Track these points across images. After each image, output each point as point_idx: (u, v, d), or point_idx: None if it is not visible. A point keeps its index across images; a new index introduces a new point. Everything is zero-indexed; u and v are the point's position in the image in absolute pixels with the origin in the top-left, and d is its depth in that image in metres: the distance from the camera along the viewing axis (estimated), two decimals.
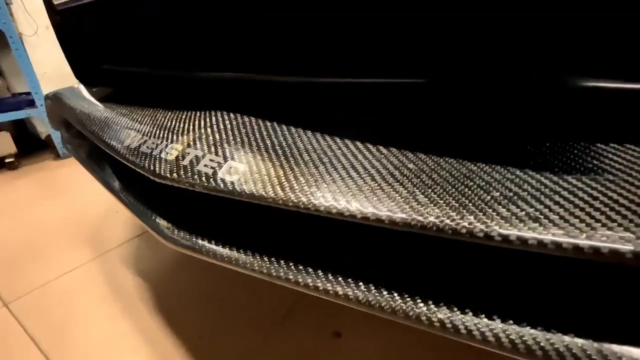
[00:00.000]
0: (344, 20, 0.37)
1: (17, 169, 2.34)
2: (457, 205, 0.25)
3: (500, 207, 0.24)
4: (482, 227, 0.22)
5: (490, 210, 0.24)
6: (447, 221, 0.24)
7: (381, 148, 0.34)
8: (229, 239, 0.40)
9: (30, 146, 2.65)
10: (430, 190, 0.27)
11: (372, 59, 0.38)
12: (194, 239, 0.40)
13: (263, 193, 0.32)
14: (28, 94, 2.38)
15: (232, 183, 0.34)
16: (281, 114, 0.43)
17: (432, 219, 0.24)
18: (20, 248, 1.40)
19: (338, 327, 0.94)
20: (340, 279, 0.32)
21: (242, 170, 0.35)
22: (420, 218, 0.25)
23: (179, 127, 0.46)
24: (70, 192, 1.92)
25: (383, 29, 0.35)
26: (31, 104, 2.31)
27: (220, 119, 0.45)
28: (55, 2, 0.64)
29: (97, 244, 1.40)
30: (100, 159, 0.69)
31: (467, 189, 0.26)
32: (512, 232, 0.21)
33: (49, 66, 2.70)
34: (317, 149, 0.35)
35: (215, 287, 1.12)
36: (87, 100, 0.68)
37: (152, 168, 0.40)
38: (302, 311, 1.00)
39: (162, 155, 0.41)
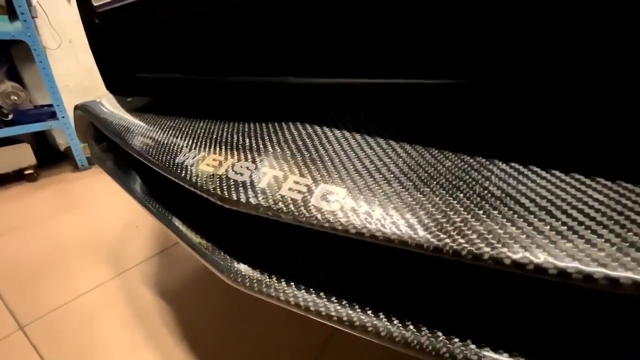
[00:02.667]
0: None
1: (36, 181, 2.32)
2: None
3: None
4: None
5: None
6: None
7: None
8: (308, 279, 0.32)
9: (50, 158, 2.64)
10: None
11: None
12: (275, 283, 0.32)
13: (386, 230, 0.24)
14: (50, 106, 2.38)
15: (334, 213, 0.27)
16: (380, 123, 0.36)
17: None
18: (38, 265, 1.34)
19: None
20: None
21: (342, 196, 0.28)
22: None
23: (243, 142, 0.39)
24: (89, 205, 1.88)
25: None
26: (53, 115, 2.31)
27: (296, 131, 0.37)
28: (95, 3, 0.59)
29: (117, 261, 1.33)
30: (138, 174, 0.63)
31: None
32: None
33: (71, 79, 2.71)
34: (442, 171, 0.28)
35: (244, 310, 1.03)
36: (123, 112, 0.62)
37: (219, 192, 0.33)
38: (340, 344, 0.91)
39: (231, 176, 0.34)
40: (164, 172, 0.41)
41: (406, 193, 0.27)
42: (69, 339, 0.98)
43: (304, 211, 0.28)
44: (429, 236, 0.23)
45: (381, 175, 0.28)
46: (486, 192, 0.25)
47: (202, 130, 0.45)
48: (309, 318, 0.30)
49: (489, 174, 0.26)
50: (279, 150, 0.36)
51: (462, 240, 0.22)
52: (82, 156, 2.46)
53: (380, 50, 0.36)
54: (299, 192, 0.30)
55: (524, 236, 0.21)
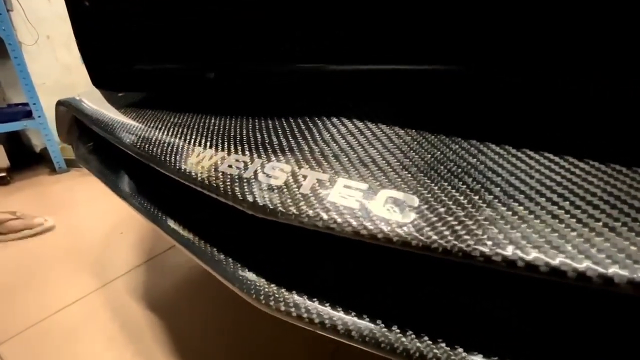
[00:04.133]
0: None
1: (9, 184, 2.17)
2: None
3: None
4: None
5: None
6: None
7: None
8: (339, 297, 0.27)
9: (24, 160, 2.48)
10: None
11: None
12: (305, 303, 0.27)
13: (471, 248, 0.19)
14: (25, 104, 2.24)
15: (401, 226, 0.22)
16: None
17: None
18: (12, 277, 1.23)
19: None
20: None
21: (413, 205, 0.23)
22: None
23: (269, 140, 0.34)
24: (68, 211, 1.76)
25: None
26: (28, 115, 2.17)
27: (331, 127, 0.32)
28: None
29: (100, 271, 1.23)
30: (131, 175, 0.56)
31: None
32: None
33: (48, 77, 2.57)
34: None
35: (241, 320, 0.97)
36: (117, 108, 0.55)
37: (250, 199, 0.27)
38: (347, 357, 0.86)
39: (262, 179, 0.29)
40: (175, 176, 0.35)
41: (487, 206, 0.22)
42: (50, 356, 0.89)
43: (366, 223, 0.23)
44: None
45: (462, 182, 0.24)
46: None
47: (216, 127, 0.40)
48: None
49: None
50: (317, 149, 0.31)
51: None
52: (60, 158, 2.32)
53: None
54: (354, 198, 0.25)
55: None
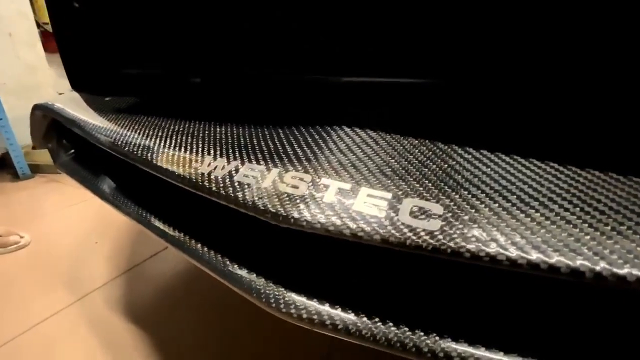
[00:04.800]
0: None
1: None
2: None
3: None
4: None
5: None
6: None
7: None
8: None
9: None
10: None
11: None
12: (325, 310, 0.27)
13: (510, 254, 0.21)
14: None
15: (430, 233, 0.23)
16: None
17: None
18: None
19: None
20: None
21: (436, 212, 0.24)
22: None
23: (283, 148, 0.34)
24: (35, 220, 1.65)
25: None
26: None
27: (344, 136, 0.33)
28: None
29: (75, 284, 1.17)
30: (120, 182, 0.54)
31: None
32: None
33: (9, 77, 2.41)
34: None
35: (229, 328, 0.95)
36: (108, 114, 0.53)
37: (273, 210, 0.28)
38: None
39: (283, 189, 0.29)
40: (186, 186, 0.34)
41: (507, 211, 0.24)
42: None
43: (393, 231, 0.24)
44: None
45: (480, 190, 0.25)
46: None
47: (223, 136, 0.39)
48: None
49: None
50: (334, 158, 0.31)
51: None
52: (24, 163, 2.18)
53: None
54: (379, 207, 0.26)
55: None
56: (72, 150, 0.76)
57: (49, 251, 1.37)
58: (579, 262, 0.20)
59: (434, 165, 0.28)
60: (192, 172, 0.34)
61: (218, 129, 0.41)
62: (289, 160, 0.32)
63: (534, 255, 0.21)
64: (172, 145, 0.39)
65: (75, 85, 0.78)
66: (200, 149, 0.37)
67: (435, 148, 0.30)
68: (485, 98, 0.34)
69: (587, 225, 0.23)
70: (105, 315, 1.03)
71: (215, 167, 0.34)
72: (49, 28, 2.17)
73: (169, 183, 0.40)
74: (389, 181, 0.27)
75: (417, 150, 0.30)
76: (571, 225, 0.23)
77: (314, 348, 0.88)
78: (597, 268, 0.20)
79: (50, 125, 0.77)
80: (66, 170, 0.71)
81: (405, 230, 0.23)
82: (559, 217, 0.23)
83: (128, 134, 0.43)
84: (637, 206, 0.23)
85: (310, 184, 0.29)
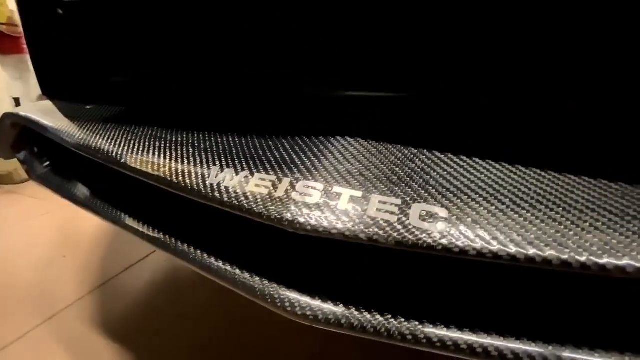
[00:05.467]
0: None
1: None
2: None
3: None
4: None
5: None
6: None
7: None
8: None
9: None
10: None
11: None
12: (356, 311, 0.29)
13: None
14: None
15: (442, 236, 0.26)
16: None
17: None
18: None
19: None
20: None
21: (443, 215, 0.27)
22: None
23: (290, 158, 0.36)
24: None
25: None
26: None
27: (349, 145, 0.36)
28: None
29: (44, 303, 1.10)
30: (107, 193, 0.53)
31: None
32: None
33: None
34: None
35: (208, 341, 0.93)
36: (95, 125, 0.52)
37: (289, 218, 0.29)
38: None
39: (297, 198, 0.31)
40: (195, 198, 0.35)
41: (509, 211, 0.27)
42: None
43: (406, 234, 0.26)
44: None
45: (477, 194, 0.29)
46: None
47: (224, 146, 0.40)
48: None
49: None
50: (342, 167, 0.33)
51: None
52: None
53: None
54: (391, 212, 0.28)
55: None
56: (47, 161, 0.73)
57: (12, 268, 1.28)
58: (567, 255, 0.24)
59: (435, 173, 0.31)
60: (200, 183, 0.35)
61: (218, 139, 0.42)
62: (298, 170, 0.34)
63: (531, 251, 0.24)
64: (175, 157, 0.40)
65: (49, 92, 0.75)
66: (205, 160, 0.38)
67: (433, 157, 0.33)
68: (476, 111, 0.38)
69: (570, 222, 0.26)
70: (80, 333, 0.98)
71: (224, 178, 0.35)
72: (4, 29, 2.04)
73: (165, 192, 0.40)
74: (397, 188, 0.30)
75: (417, 159, 0.33)
76: (557, 223, 0.26)
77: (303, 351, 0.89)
78: (582, 259, 0.24)
79: (20, 135, 0.74)
80: (41, 182, 0.68)
81: (417, 232, 0.26)
82: (546, 217, 0.27)
83: (127, 146, 0.42)
84: (609, 205, 0.27)
85: (323, 192, 0.31)
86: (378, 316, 0.30)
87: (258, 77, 0.47)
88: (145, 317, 1.04)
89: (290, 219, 0.29)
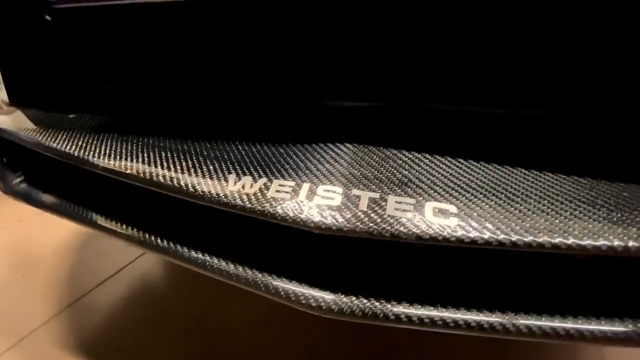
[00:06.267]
0: None
1: None
2: None
3: None
4: None
5: None
6: None
7: None
8: None
9: None
10: None
11: None
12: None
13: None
14: None
15: (456, 229, 0.30)
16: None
17: None
18: None
19: None
20: None
21: (453, 211, 0.31)
22: None
23: (304, 164, 0.38)
24: None
25: None
26: None
27: (357, 150, 0.39)
28: None
29: (9, 327, 1.02)
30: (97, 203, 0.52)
31: None
32: None
33: None
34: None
35: (187, 352, 0.92)
36: (85, 135, 0.51)
37: (316, 220, 0.32)
38: None
39: (319, 202, 0.33)
40: (214, 205, 0.36)
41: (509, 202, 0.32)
42: None
43: (426, 229, 0.30)
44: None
45: (478, 192, 0.33)
46: None
47: (234, 154, 0.41)
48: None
49: None
50: (356, 172, 0.37)
51: None
52: None
53: None
54: (407, 211, 0.32)
55: None
56: (21, 175, 0.70)
57: None
58: (557, 240, 0.29)
59: (438, 174, 0.36)
60: (220, 191, 0.36)
61: (226, 147, 0.44)
62: (314, 175, 0.37)
63: (529, 238, 0.29)
64: (187, 166, 0.40)
65: (19, 100, 0.71)
66: (219, 168, 0.39)
67: (436, 160, 0.38)
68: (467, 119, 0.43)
69: (555, 212, 0.32)
70: (53, 354, 0.92)
71: (244, 185, 0.36)
72: None
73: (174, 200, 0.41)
74: (409, 189, 0.34)
75: (422, 162, 0.37)
76: (545, 214, 0.31)
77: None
78: (569, 242, 0.29)
79: None
80: (18, 197, 0.65)
81: (435, 227, 0.30)
82: (536, 208, 0.32)
83: (135, 157, 0.42)
84: (581, 196, 0.33)
85: (343, 195, 0.34)
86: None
87: (254, 84, 0.49)
88: (121, 332, 1.00)
89: (317, 221, 0.32)
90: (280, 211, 0.33)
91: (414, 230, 0.30)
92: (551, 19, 0.38)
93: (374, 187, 0.35)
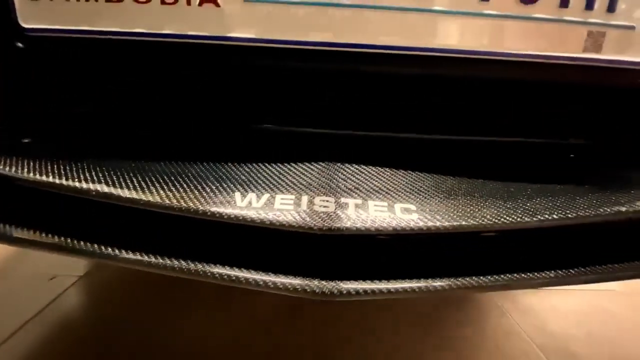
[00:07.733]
0: None
1: None
2: None
3: None
4: None
5: None
6: None
7: None
8: None
9: None
10: None
11: None
12: None
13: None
14: None
15: (417, 222, 0.43)
16: None
17: None
18: None
19: None
20: None
21: (413, 209, 0.44)
22: None
23: (297, 179, 0.48)
24: None
25: None
26: None
27: (347, 168, 0.50)
28: (26, 24, 0.46)
29: None
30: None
31: None
32: None
33: None
34: None
35: None
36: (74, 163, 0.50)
37: (320, 225, 0.41)
38: None
39: (320, 209, 0.43)
40: (225, 221, 0.41)
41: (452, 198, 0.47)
42: None
43: (404, 224, 0.42)
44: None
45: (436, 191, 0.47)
46: None
47: (230, 174, 0.48)
48: None
49: None
50: (334, 183, 0.48)
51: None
52: None
53: None
54: (382, 211, 0.43)
55: None
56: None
57: None
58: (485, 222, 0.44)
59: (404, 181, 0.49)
60: (230, 208, 0.42)
61: (218, 168, 0.50)
62: (310, 189, 0.46)
63: (470, 222, 0.43)
64: (190, 187, 0.45)
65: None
66: (222, 187, 0.45)
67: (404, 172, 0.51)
68: None
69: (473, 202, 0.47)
70: None
71: (251, 201, 0.43)
72: None
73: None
74: (386, 193, 0.46)
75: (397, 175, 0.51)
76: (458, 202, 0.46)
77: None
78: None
79: None
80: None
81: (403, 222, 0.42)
82: (461, 202, 0.47)
83: (139, 184, 0.44)
84: (483, 191, 0.50)
85: (336, 203, 0.44)
86: None
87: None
88: (96, 339, 0.92)
89: (320, 225, 0.41)
90: (286, 219, 0.42)
91: (395, 226, 0.42)
92: None
93: (355, 194, 0.46)
